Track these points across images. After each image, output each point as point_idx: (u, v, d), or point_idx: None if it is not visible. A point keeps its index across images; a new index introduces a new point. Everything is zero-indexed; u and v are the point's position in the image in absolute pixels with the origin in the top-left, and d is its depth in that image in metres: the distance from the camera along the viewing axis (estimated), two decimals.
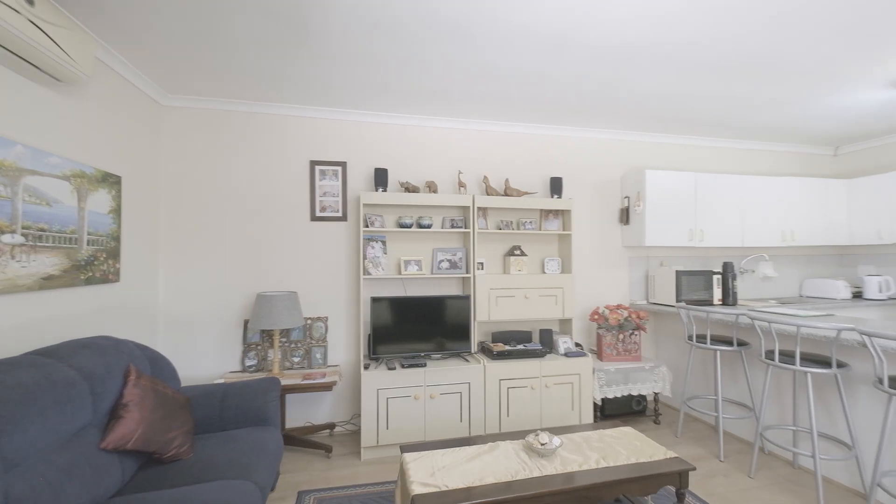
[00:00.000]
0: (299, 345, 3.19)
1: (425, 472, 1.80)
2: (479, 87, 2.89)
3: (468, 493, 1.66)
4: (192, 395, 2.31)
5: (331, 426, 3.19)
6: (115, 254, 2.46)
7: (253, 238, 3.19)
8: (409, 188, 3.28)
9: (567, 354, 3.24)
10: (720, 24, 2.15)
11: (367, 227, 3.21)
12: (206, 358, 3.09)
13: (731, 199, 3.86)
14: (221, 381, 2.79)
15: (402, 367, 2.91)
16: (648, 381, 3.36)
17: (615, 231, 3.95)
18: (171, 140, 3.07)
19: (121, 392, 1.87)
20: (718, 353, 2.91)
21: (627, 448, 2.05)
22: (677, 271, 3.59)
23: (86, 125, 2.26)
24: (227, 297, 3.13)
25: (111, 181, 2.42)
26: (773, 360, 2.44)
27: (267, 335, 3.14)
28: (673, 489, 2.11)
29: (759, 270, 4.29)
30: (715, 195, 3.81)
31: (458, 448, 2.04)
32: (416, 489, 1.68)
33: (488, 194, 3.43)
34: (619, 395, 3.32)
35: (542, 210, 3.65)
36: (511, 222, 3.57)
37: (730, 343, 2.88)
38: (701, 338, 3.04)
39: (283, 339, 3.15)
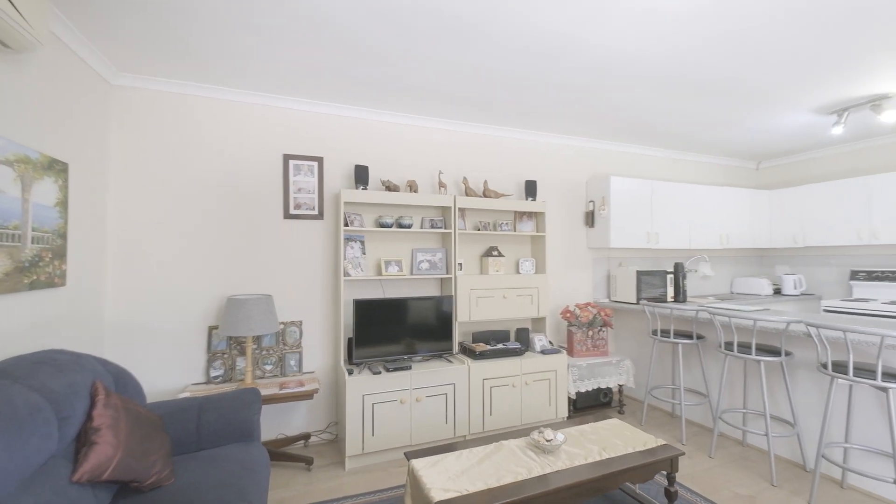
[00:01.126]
0: (272, 351, 2.97)
1: (441, 478, 1.77)
2: (460, 87, 2.89)
3: (491, 494, 1.66)
4: (164, 413, 2.06)
5: (305, 437, 3.01)
6: (61, 253, 2.12)
7: (219, 237, 2.91)
8: (391, 187, 3.20)
9: (544, 352, 3.36)
10: (686, 48, 2.36)
11: (346, 226, 3.08)
12: (163, 370, 2.77)
13: (681, 206, 4.24)
14: (187, 394, 2.52)
15: (388, 370, 2.83)
16: (614, 374, 3.59)
17: (581, 233, 4.16)
18: (122, 124, 2.70)
19: (89, 414, 1.62)
20: (680, 346, 3.19)
21: (621, 439, 2.17)
22: (638, 271, 3.87)
23: (32, 103, 1.92)
24: (189, 302, 2.83)
25: (57, 169, 2.08)
26: (732, 350, 2.73)
27: (235, 342, 2.89)
28: (664, 473, 2.27)
29: (700, 270, 4.76)
30: (668, 201, 4.17)
31: (465, 451, 2.03)
32: (438, 495, 1.64)
33: (468, 195, 3.45)
34: (589, 389, 3.50)
35: (516, 212, 3.74)
36: (488, 223, 3.62)
37: (689, 336, 3.16)
38: (664, 332, 3.30)
39: (254, 346, 2.91)
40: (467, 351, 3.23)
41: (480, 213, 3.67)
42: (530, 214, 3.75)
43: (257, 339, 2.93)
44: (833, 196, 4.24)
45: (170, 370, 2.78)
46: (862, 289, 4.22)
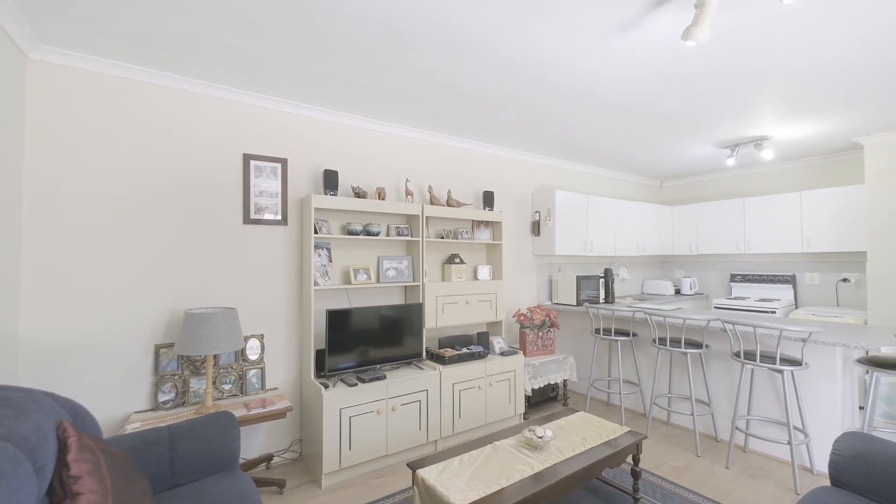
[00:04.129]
0: (231, 369, 2.72)
1: (455, 484, 1.83)
2: (433, 98, 2.96)
3: (505, 493, 1.77)
4: (129, 448, 1.79)
5: (268, 458, 2.80)
6: None
7: (168, 243, 2.58)
8: (360, 193, 3.13)
9: (503, 353, 3.57)
10: (646, 85, 2.75)
11: (315, 233, 2.94)
12: (97, 398, 2.37)
13: (607, 217, 4.80)
14: (136, 424, 2.21)
15: (364, 381, 2.77)
16: (560, 370, 3.94)
17: (527, 241, 4.48)
18: (41, 108, 2.26)
19: (62, 460, 1.36)
20: (619, 342, 3.64)
21: (594, 430, 2.44)
22: (577, 276, 4.31)
23: None
24: (129, 318, 2.46)
25: None
26: (665, 345, 3.21)
27: (187, 361, 2.59)
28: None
29: (620, 274, 5.43)
30: (599, 213, 4.70)
31: (465, 455, 2.11)
32: (459, 500, 1.71)
33: (433, 204, 3.52)
34: (541, 386, 3.81)
35: (474, 221, 3.91)
36: (450, 231, 3.73)
37: (626, 334, 3.63)
38: (605, 331, 3.73)
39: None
40: (435, 357, 3.30)
41: (443, 221, 3.76)
42: (487, 223, 3.95)
43: (215, 357, 2.66)
44: (718, 213, 5.17)
45: (105, 397, 2.39)
46: (739, 289, 5.21)
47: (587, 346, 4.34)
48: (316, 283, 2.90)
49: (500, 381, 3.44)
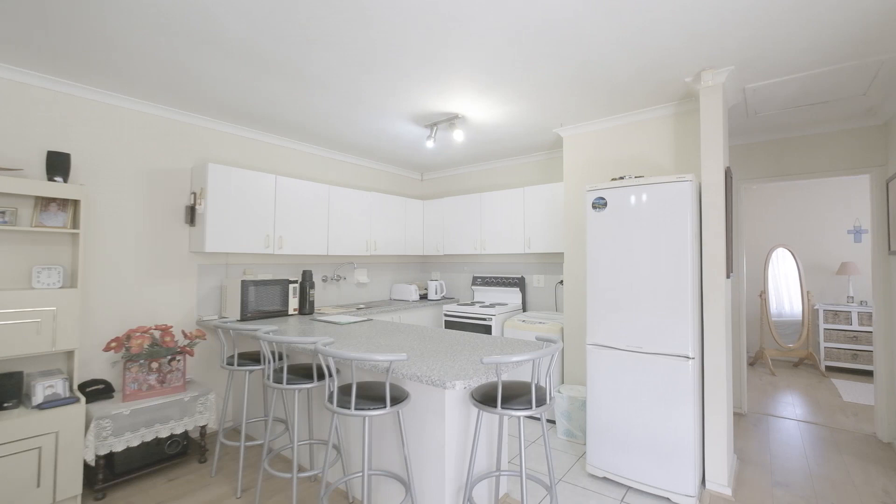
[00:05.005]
0: None
1: None
2: None
3: None
4: None
5: None
6: None
7: None
8: None
9: (42, 405, 2.27)
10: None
11: None
12: None
13: (317, 207, 3.85)
14: None
15: None
16: (191, 414, 2.80)
17: (181, 233, 3.26)
18: None
19: None
20: (248, 374, 2.63)
21: None
22: (243, 281, 3.23)
23: None
24: None
25: None
26: (280, 382, 2.27)
27: None
28: None
29: (353, 277, 4.57)
30: (300, 201, 3.71)
31: None
32: None
33: None
34: (142, 442, 2.60)
35: (38, 198, 2.53)
36: None
37: (258, 360, 2.64)
38: (229, 360, 2.67)
39: None
40: None
41: None
42: (64, 202, 2.60)
43: None
44: (460, 210, 4.66)
45: None
46: (480, 292, 4.78)
47: (241, 376, 3.26)
48: None
49: (19, 454, 2.13)
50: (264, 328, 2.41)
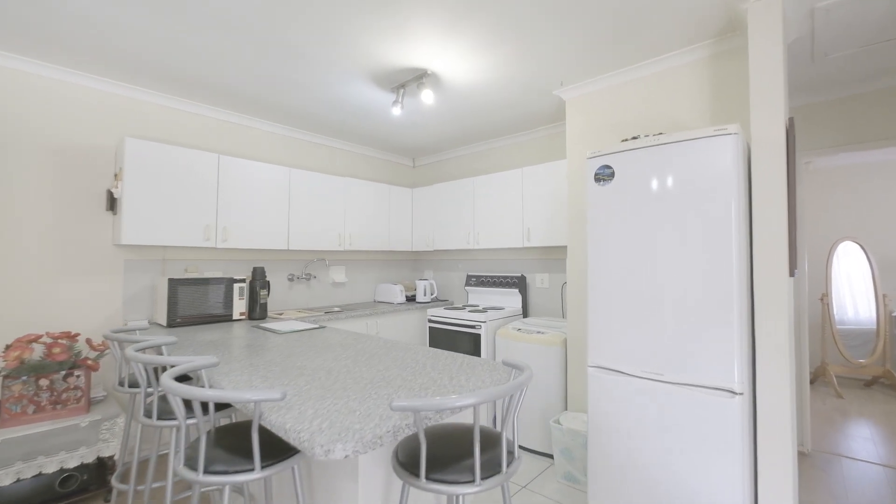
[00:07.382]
0: None
1: None
2: None
3: None
4: None
5: None
6: None
7: None
8: None
9: None
10: None
11: None
12: None
13: (274, 194, 3.27)
14: None
15: None
16: (90, 444, 2.27)
17: (104, 223, 2.75)
18: None
19: None
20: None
21: None
22: (170, 280, 2.69)
23: None
24: None
25: None
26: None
27: None
28: None
29: (328, 276, 3.98)
30: (251, 186, 3.14)
31: None
32: None
33: None
34: (22, 478, 2.08)
35: None
36: None
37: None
38: (121, 384, 2.12)
39: None
40: None
41: None
42: None
43: None
44: (450, 198, 4.00)
45: None
46: (474, 294, 4.10)
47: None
48: None
49: None
50: (155, 341, 1.83)
